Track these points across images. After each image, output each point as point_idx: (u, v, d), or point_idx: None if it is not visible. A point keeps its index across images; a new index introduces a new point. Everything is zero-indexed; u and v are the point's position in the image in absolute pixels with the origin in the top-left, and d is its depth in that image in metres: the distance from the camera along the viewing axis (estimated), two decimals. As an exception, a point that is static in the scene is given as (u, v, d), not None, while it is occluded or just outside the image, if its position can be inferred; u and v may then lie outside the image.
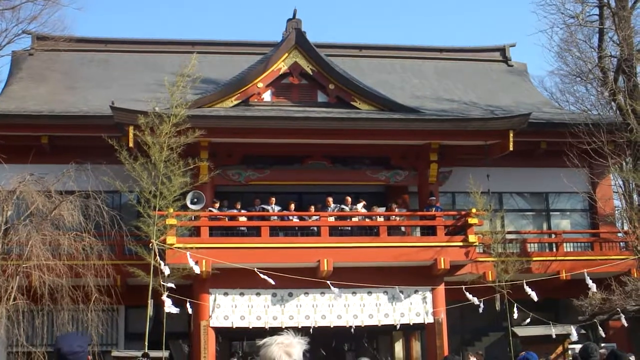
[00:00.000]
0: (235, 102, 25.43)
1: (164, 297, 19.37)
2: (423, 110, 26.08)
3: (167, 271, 19.37)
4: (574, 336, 22.79)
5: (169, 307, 19.16)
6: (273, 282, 20.70)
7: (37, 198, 20.43)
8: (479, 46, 34.66)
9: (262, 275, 20.34)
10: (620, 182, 28.33)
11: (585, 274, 21.77)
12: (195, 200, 23.01)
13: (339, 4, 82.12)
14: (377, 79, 30.00)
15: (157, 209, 19.98)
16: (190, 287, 22.75)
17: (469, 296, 22.24)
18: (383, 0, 79.17)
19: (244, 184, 24.58)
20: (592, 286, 21.84)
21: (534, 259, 25.55)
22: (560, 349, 24.19)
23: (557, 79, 36.84)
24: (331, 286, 21.72)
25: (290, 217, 24.17)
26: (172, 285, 19.60)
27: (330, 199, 24.40)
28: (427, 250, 23.40)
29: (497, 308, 22.99)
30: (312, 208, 24.22)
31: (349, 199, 24.60)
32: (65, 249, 20.36)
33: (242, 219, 23.97)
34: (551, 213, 28.48)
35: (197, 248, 21.62)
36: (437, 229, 23.92)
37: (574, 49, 28.74)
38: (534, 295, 21.73)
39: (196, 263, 20.76)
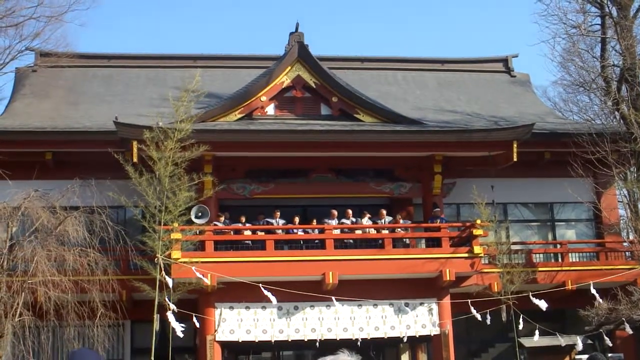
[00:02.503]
0: (239, 116, 25.46)
1: (169, 314, 19.33)
2: (426, 122, 26.10)
3: (170, 283, 19.30)
4: (579, 346, 22.75)
5: (176, 327, 19.10)
6: (274, 301, 20.66)
7: (41, 214, 20.47)
8: (481, 57, 34.67)
9: (265, 292, 20.32)
10: (625, 192, 28.28)
11: (592, 286, 21.71)
12: (200, 214, 22.99)
13: (340, 17, 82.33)
14: (379, 91, 30.04)
15: (162, 224, 19.98)
16: (196, 302, 22.73)
17: (473, 311, 22.24)
18: (384, 12, 79.34)
19: (249, 197, 24.58)
20: (599, 299, 21.79)
21: (540, 269, 25.51)
22: (567, 359, 24.13)
23: (560, 89, 36.75)
24: (334, 300, 21.70)
25: (295, 230, 24.14)
26: (175, 309, 19.47)
27: (335, 212, 24.38)
28: (433, 262, 23.35)
29: (504, 319, 22.93)
30: (315, 221, 24.20)
31: (350, 211, 24.59)
32: (71, 264, 20.37)
33: (247, 232, 23.95)
34: (556, 223, 28.45)
35: (202, 262, 21.59)
36: (442, 240, 23.88)
37: (577, 58, 28.76)
38: (542, 305, 21.66)
39: (202, 277, 20.74)
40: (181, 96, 21.09)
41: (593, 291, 21.66)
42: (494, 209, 24.49)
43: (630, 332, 23.11)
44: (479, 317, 22.19)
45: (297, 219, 24.21)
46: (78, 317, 20.27)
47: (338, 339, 23.29)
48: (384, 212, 24.62)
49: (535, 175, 27.42)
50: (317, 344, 23.09)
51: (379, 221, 24.52)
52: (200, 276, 20.16)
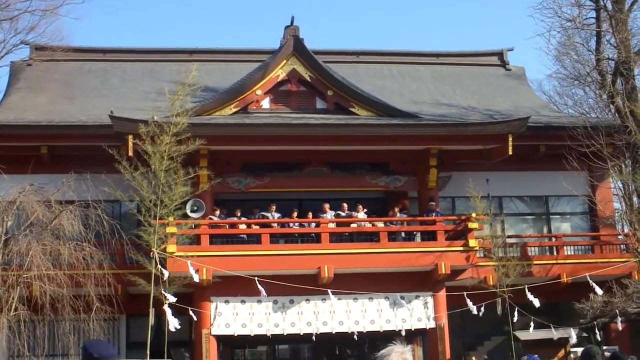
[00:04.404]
0: (234, 110, 25.43)
1: (165, 308, 19.32)
2: (422, 116, 26.10)
3: (165, 275, 19.30)
4: (573, 339, 22.81)
5: (172, 321, 19.07)
6: (265, 294, 20.65)
7: (37, 208, 20.44)
8: (477, 50, 34.68)
9: (259, 286, 20.34)
10: (620, 185, 28.36)
11: (589, 279, 21.76)
12: (196, 208, 23.01)
13: (336, 10, 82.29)
14: (375, 84, 30.03)
15: (157, 218, 19.97)
16: (192, 296, 22.74)
17: (469, 303, 22.27)
18: (380, 6, 79.30)
19: (244, 191, 24.57)
20: (598, 290, 21.84)
21: (535, 262, 25.53)
22: (562, 352, 24.19)
23: (555, 83, 36.93)
24: (331, 294, 21.74)
25: (291, 224, 24.15)
26: (172, 299, 19.46)
27: (327, 206, 24.39)
28: (428, 256, 23.39)
29: (499, 312, 22.98)
30: (310, 215, 24.21)
31: (345, 205, 24.61)
32: (66, 258, 20.35)
33: (243, 226, 23.95)
34: (551, 216, 28.47)
35: (197, 256, 21.60)
36: (437, 234, 23.91)
37: (572, 52, 28.82)
38: (536, 302, 21.74)
39: (196, 271, 20.74)
40: (177, 90, 21.05)
41: (593, 285, 21.69)
42: (489, 202, 24.55)
43: (620, 328, 23.15)
44: (474, 310, 22.25)
45: (295, 214, 24.21)
46: (73, 311, 20.27)
47: (334, 333, 23.35)
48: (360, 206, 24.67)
49: (530, 168, 27.43)
50: (313, 337, 23.13)
51: (356, 214, 24.50)
52: (193, 272, 20.11)
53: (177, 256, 21.34)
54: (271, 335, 23.04)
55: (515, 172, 27.12)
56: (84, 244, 20.62)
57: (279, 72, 26.01)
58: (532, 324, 22.81)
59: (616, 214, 29.02)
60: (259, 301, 22.74)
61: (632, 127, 24.83)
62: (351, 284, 22.69)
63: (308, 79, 26.07)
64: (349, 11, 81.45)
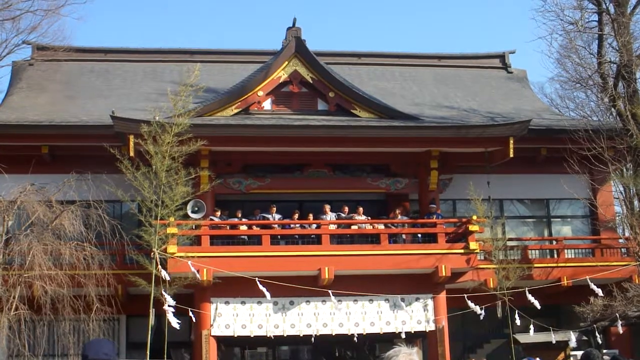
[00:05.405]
0: (236, 111, 25.42)
1: (166, 307, 19.30)
2: (423, 118, 26.08)
3: (167, 277, 19.28)
4: (573, 342, 22.80)
5: (172, 321, 19.04)
6: (268, 297, 20.65)
7: (38, 208, 20.47)
8: (478, 53, 34.64)
9: (260, 287, 20.34)
10: (621, 188, 28.33)
11: (589, 281, 21.75)
12: (196, 209, 23.02)
13: (337, 12, 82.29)
14: (376, 86, 30.03)
15: (158, 218, 19.96)
16: (192, 296, 22.74)
17: (471, 305, 22.25)
18: (382, 8, 79.31)
19: (245, 192, 24.57)
20: (598, 291, 21.82)
21: (535, 265, 25.52)
22: (562, 355, 24.18)
23: (557, 86, 36.89)
24: (332, 296, 21.73)
25: (292, 226, 24.14)
26: (172, 308, 19.37)
27: (328, 207, 24.38)
28: (428, 258, 23.38)
29: (499, 315, 22.97)
30: (311, 216, 24.20)
31: (347, 207, 24.60)
32: (67, 258, 20.37)
33: (243, 227, 23.95)
34: (552, 219, 28.44)
35: (198, 257, 21.59)
36: (438, 236, 23.90)
37: (574, 55, 28.80)
38: (536, 304, 21.73)
39: (197, 272, 20.75)
40: (180, 90, 21.05)
41: (593, 287, 21.67)
42: (490, 205, 24.50)
43: (621, 331, 23.14)
44: (477, 310, 22.23)
45: (296, 215, 24.20)
46: (74, 311, 20.29)
47: (333, 334, 23.35)
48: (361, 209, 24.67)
49: (531, 171, 27.43)
50: (313, 339, 23.12)
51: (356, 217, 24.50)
52: (195, 271, 20.09)
53: (177, 257, 21.34)
54: (271, 336, 23.03)
55: (516, 175, 27.13)
56: (84, 244, 20.65)
57: (281, 74, 26.00)
58: (532, 326, 22.81)
59: (617, 218, 28.99)
60: (259, 302, 22.74)
61: (633, 131, 24.83)
62: (351, 285, 22.68)
63: (310, 80, 26.06)
64: (350, 13, 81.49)
